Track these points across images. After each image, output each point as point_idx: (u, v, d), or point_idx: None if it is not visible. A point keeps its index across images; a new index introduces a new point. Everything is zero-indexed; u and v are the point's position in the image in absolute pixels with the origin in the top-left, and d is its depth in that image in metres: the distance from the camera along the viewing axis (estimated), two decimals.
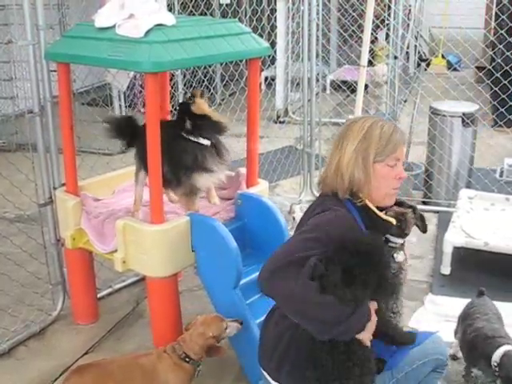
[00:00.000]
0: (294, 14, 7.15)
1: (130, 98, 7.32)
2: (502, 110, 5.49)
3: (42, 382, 3.00)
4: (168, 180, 2.90)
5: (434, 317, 3.45)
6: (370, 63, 6.42)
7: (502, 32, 6.30)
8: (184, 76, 7.38)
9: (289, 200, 4.84)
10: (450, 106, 4.94)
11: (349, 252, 1.97)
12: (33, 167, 3.37)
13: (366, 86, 5.86)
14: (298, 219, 2.37)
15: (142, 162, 3.10)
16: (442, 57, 10.47)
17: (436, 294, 3.72)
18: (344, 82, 7.11)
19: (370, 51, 4.53)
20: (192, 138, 2.91)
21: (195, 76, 7.55)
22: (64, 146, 3.20)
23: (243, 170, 3.28)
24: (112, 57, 2.68)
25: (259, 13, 6.72)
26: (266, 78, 8.71)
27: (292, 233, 2.36)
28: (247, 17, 7.67)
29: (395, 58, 7.16)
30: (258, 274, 2.89)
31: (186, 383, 2.58)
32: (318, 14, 5.00)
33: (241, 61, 6.02)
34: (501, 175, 5.35)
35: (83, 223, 3.17)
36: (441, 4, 10.27)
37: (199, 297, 3.57)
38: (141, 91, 7.16)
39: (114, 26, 2.75)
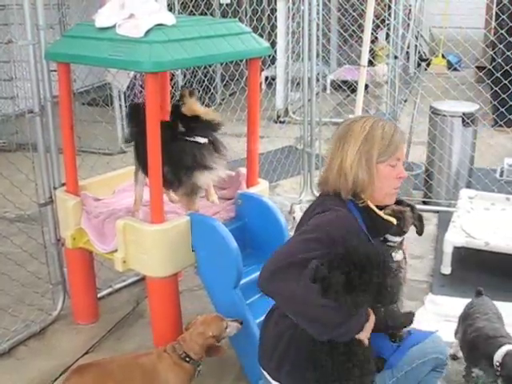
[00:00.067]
0: (294, 14, 7.15)
1: (131, 97, 7.31)
2: (502, 109, 5.49)
3: (42, 381, 3.01)
4: (169, 181, 2.90)
5: (434, 317, 3.44)
6: (371, 63, 6.41)
7: (503, 32, 6.32)
8: (184, 76, 7.39)
9: (289, 200, 4.85)
10: (450, 106, 4.94)
11: (351, 260, 1.98)
12: (33, 167, 3.37)
13: (367, 86, 5.85)
14: (298, 219, 2.37)
15: (140, 162, 3.11)
16: (443, 57, 10.47)
17: (436, 293, 3.72)
18: (344, 82, 7.12)
19: (370, 51, 4.53)
20: (188, 138, 2.91)
21: (195, 76, 7.56)
22: (64, 146, 3.20)
23: (243, 170, 3.28)
24: (112, 57, 2.68)
25: (259, 13, 6.73)
26: (267, 78, 8.71)
27: (292, 233, 2.36)
28: (247, 17, 7.67)
29: (395, 57, 7.15)
30: (258, 273, 2.93)
31: (186, 383, 2.58)
32: (318, 13, 5.00)
33: (241, 60, 6.02)
34: (501, 175, 5.35)
35: (83, 223, 3.17)
36: (441, 4, 10.27)
37: (199, 297, 3.57)
38: (141, 91, 7.14)
39: (114, 26, 2.75)
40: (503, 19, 6.34)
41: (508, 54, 5.16)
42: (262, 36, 3.89)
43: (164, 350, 2.60)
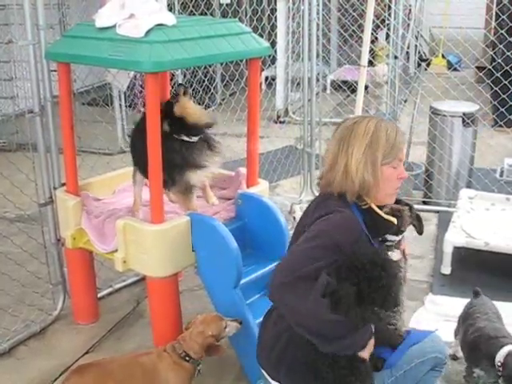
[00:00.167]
0: (294, 14, 7.15)
1: (131, 97, 7.31)
2: (503, 109, 5.49)
3: (42, 381, 3.01)
4: (163, 179, 2.90)
5: (435, 317, 3.45)
6: (371, 63, 6.41)
7: (503, 32, 6.32)
8: (184, 76, 7.39)
9: (289, 200, 4.84)
10: (450, 106, 4.94)
11: (358, 268, 1.98)
12: (33, 167, 3.37)
13: (367, 86, 5.85)
14: (298, 219, 2.37)
15: (138, 163, 3.11)
16: (443, 57, 10.47)
17: (436, 293, 3.72)
18: (344, 82, 7.12)
19: (370, 51, 4.53)
20: (178, 137, 2.90)
21: (195, 76, 7.56)
22: (64, 146, 3.20)
23: (243, 170, 3.28)
24: (112, 57, 2.68)
25: (259, 12, 6.73)
26: (267, 78, 8.71)
27: (292, 233, 2.36)
28: (247, 17, 7.67)
29: (395, 57, 7.15)
30: (258, 273, 2.94)
31: (186, 382, 2.58)
32: (318, 13, 5.00)
33: (241, 60, 6.02)
34: (501, 175, 5.35)
35: (83, 223, 3.17)
36: (441, 4, 10.27)
37: (199, 296, 3.57)
38: (141, 91, 7.15)
39: (114, 26, 2.75)
40: (503, 19, 6.35)
41: (508, 54, 5.16)
42: (262, 36, 3.89)
43: (164, 350, 2.60)
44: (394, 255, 2.45)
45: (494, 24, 7.14)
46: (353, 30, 7.25)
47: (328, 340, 1.99)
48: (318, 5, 4.99)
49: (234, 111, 6.07)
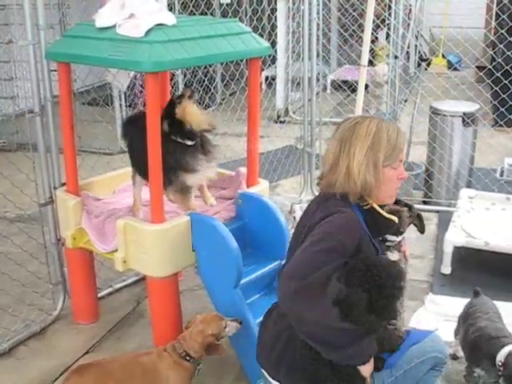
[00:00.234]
0: (294, 14, 7.15)
1: (131, 97, 7.31)
2: (503, 109, 5.49)
3: (42, 381, 3.01)
4: None
5: (435, 316, 3.45)
6: (371, 63, 6.41)
7: (503, 31, 6.33)
8: (184, 76, 7.39)
9: (289, 200, 4.84)
10: (450, 106, 4.94)
11: (372, 275, 1.99)
12: (33, 167, 3.37)
13: (367, 86, 5.85)
14: (298, 219, 2.36)
15: (136, 165, 3.11)
16: (443, 56, 10.47)
17: (436, 293, 3.72)
18: (344, 82, 7.12)
19: (370, 51, 4.53)
20: (175, 138, 2.90)
21: (196, 76, 7.56)
22: (64, 146, 3.20)
23: (243, 170, 3.28)
24: (112, 56, 2.68)
25: (260, 12, 6.73)
26: (267, 78, 8.71)
27: (292, 233, 2.36)
28: (247, 16, 7.67)
29: (396, 57, 7.14)
30: (258, 273, 2.94)
31: (186, 382, 2.58)
32: (318, 13, 5.00)
33: (241, 60, 6.02)
34: (501, 175, 5.35)
35: (84, 223, 3.17)
36: (441, 4, 10.27)
37: (200, 296, 3.57)
38: (141, 91, 7.15)
39: (114, 26, 2.75)
40: (503, 19, 6.34)
41: (508, 53, 5.17)
42: (262, 36, 3.89)
43: (164, 349, 2.60)
44: (393, 255, 2.45)
45: (494, 24, 7.14)
46: (353, 30, 7.25)
47: (332, 347, 1.99)
48: (318, 4, 4.99)
49: (234, 111, 6.07)
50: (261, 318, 2.42)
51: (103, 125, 5.95)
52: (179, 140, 2.90)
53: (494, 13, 7.70)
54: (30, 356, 3.20)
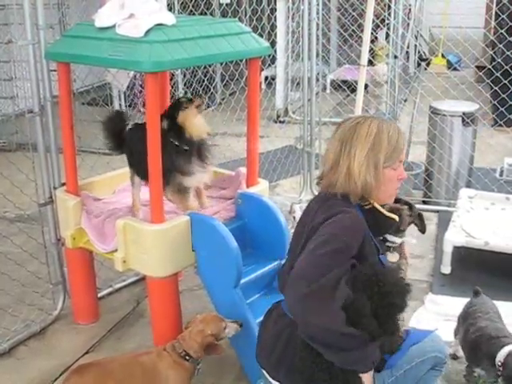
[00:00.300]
0: (294, 14, 7.16)
1: (130, 97, 7.32)
2: (502, 109, 5.50)
3: (42, 381, 3.01)
4: None
5: (435, 316, 3.45)
6: (370, 63, 6.42)
7: (502, 31, 6.32)
8: (184, 76, 7.39)
9: (289, 199, 4.84)
10: (450, 106, 4.94)
11: (378, 284, 1.99)
12: (33, 167, 3.37)
13: (366, 86, 5.86)
14: (298, 219, 2.36)
15: (134, 166, 3.11)
16: (442, 56, 10.48)
17: (436, 293, 3.72)
18: (344, 82, 7.12)
19: (370, 51, 4.53)
20: (172, 140, 2.89)
21: (195, 76, 7.56)
22: (64, 146, 3.20)
23: (243, 170, 3.29)
24: (112, 56, 2.68)
25: (259, 12, 6.73)
26: (266, 78, 8.72)
27: (292, 233, 2.36)
28: (247, 16, 7.67)
29: (395, 57, 7.15)
30: (258, 273, 2.94)
31: (186, 381, 2.58)
32: (317, 13, 5.00)
33: (241, 60, 6.02)
34: (501, 174, 5.35)
35: (83, 223, 3.17)
36: (441, 3, 10.28)
37: (199, 296, 3.57)
38: (141, 91, 7.16)
39: (114, 26, 2.75)
40: (503, 19, 6.34)
41: (508, 53, 5.17)
42: (261, 36, 3.88)
43: (164, 349, 2.60)
44: (393, 256, 2.45)
45: (493, 23, 7.14)
46: (352, 30, 7.26)
47: (335, 351, 1.98)
48: (318, 4, 4.99)
49: (233, 111, 6.08)
50: (261, 318, 2.42)
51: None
52: (176, 143, 2.90)
53: (493, 12, 7.70)
54: (29, 356, 3.20)
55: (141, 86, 7.08)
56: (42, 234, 3.47)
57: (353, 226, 2.10)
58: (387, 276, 2.03)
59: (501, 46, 5.58)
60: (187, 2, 6.93)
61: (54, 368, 3.08)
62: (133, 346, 3.25)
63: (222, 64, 8.23)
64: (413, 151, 5.31)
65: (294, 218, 4.27)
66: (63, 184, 3.35)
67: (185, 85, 7.34)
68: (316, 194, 2.51)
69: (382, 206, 2.29)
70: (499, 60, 5.75)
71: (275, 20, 7.25)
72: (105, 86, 7.18)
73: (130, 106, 7.18)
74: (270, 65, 8.61)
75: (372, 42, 5.72)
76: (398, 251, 2.48)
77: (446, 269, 3.94)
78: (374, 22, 4.66)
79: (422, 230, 2.58)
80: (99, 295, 3.61)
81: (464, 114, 4.80)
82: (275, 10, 7.45)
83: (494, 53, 6.77)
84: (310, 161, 5.17)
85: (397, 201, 2.42)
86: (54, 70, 3.16)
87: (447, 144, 4.88)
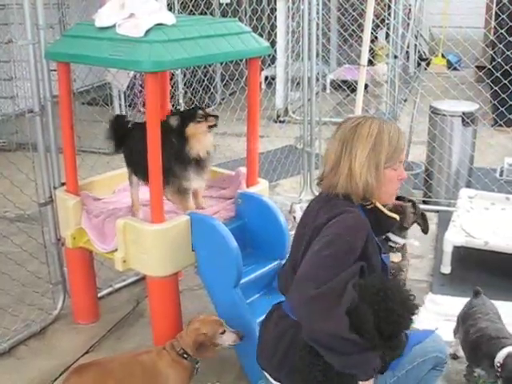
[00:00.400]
0: (294, 14, 7.16)
1: (130, 97, 7.32)
2: (502, 109, 5.50)
3: (42, 381, 3.01)
4: None
5: (435, 316, 3.45)
6: (370, 62, 6.42)
7: (502, 31, 6.33)
8: (184, 75, 7.39)
9: (289, 199, 4.84)
10: (450, 106, 4.94)
11: (384, 298, 1.99)
12: (33, 167, 3.37)
13: (366, 86, 5.85)
14: (298, 218, 2.36)
15: (132, 166, 3.11)
16: (442, 56, 10.48)
17: (436, 293, 3.72)
18: (344, 82, 7.11)
19: (370, 50, 4.52)
20: (175, 141, 2.89)
21: (195, 75, 7.56)
22: (64, 146, 3.20)
23: (243, 170, 3.28)
24: (112, 56, 2.68)
25: (259, 12, 6.74)
26: (266, 78, 8.71)
27: (292, 232, 2.36)
28: (247, 16, 7.68)
29: (395, 57, 7.15)
30: (258, 273, 2.94)
31: (185, 380, 2.58)
32: (318, 13, 5.00)
33: (241, 60, 6.02)
34: (501, 174, 5.35)
35: (83, 222, 3.17)
36: (441, 3, 10.28)
37: (200, 296, 3.57)
38: (141, 91, 7.16)
39: (114, 26, 2.75)
40: (503, 19, 6.35)
41: (508, 53, 5.17)
42: (261, 35, 3.89)
43: (163, 348, 2.61)
44: (396, 256, 2.45)
45: (493, 23, 7.14)
46: (352, 30, 7.25)
47: (337, 354, 1.99)
48: (318, 4, 4.99)
49: (233, 111, 6.07)
50: (261, 318, 2.42)
51: (103, 125, 5.90)
52: (176, 146, 2.89)
53: (493, 12, 7.70)
54: (29, 356, 3.20)
55: (141, 85, 7.08)
56: (42, 234, 3.47)
57: (356, 226, 2.10)
58: (395, 294, 2.01)
59: (501, 45, 5.59)
60: (187, 2, 6.93)
61: (54, 368, 3.08)
62: (133, 346, 3.25)
63: (221, 64, 8.23)
64: (413, 151, 5.31)
65: (294, 217, 4.27)
66: (63, 184, 3.34)
67: (185, 85, 7.34)
68: (316, 193, 2.52)
69: (384, 205, 2.30)
70: (499, 60, 5.73)
71: (275, 20, 7.25)
72: (105, 86, 7.17)
73: (130, 105, 7.17)
74: (269, 65, 8.61)
75: (372, 41, 5.72)
76: (401, 252, 2.48)
77: (446, 269, 3.94)
78: (373, 21, 4.67)
79: (425, 229, 2.58)
80: (99, 295, 3.61)
81: (464, 113, 4.80)
82: (275, 9, 7.45)
83: (494, 53, 6.76)
84: (310, 161, 5.18)
85: (400, 198, 2.42)
86: (54, 70, 3.16)
87: (447, 144, 4.88)
